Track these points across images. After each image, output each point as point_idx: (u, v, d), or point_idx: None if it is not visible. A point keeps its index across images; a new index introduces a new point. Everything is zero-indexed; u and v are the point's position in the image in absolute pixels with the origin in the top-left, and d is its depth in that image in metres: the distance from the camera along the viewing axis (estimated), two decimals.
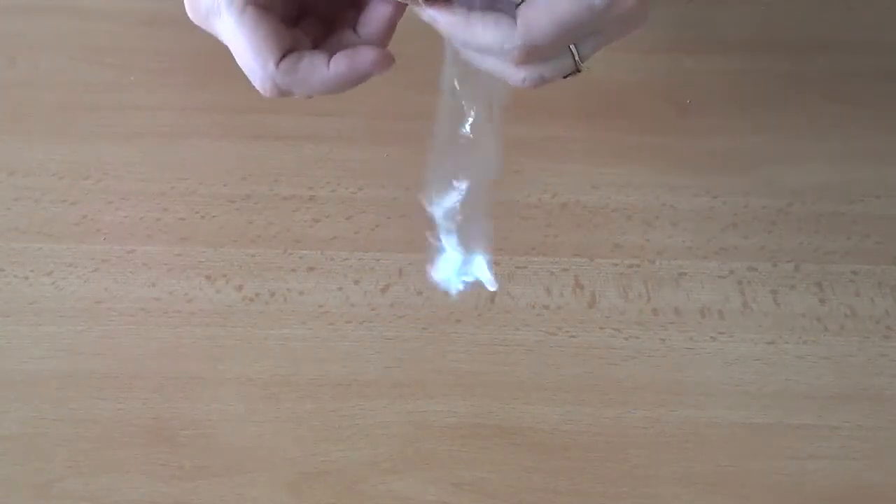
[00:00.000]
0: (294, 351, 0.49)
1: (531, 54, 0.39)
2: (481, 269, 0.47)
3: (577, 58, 0.40)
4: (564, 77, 0.41)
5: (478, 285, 0.49)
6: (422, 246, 0.54)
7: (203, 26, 0.41)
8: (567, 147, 0.58)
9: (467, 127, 0.43)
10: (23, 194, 0.55)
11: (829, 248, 0.54)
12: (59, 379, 0.48)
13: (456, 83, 0.42)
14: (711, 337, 0.51)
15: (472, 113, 0.42)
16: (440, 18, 0.39)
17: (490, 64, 0.41)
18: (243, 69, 0.39)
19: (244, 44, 0.39)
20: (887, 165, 0.58)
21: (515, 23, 0.38)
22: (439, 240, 0.48)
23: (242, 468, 0.46)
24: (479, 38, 0.39)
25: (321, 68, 0.39)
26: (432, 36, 0.39)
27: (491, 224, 0.47)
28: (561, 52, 0.40)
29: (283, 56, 0.39)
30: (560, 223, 0.55)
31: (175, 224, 0.54)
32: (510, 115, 0.58)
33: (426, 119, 0.59)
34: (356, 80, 0.39)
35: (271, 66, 0.38)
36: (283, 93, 0.39)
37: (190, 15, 0.41)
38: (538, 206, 0.55)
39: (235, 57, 0.39)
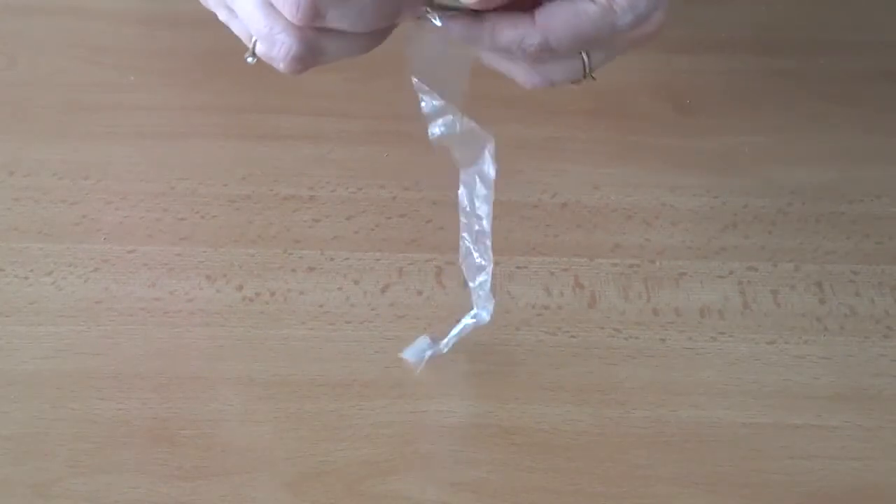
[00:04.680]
0: (294, 351, 0.49)
1: (546, 53, 0.40)
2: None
3: (587, 65, 0.42)
4: (571, 83, 0.43)
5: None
6: (422, 246, 0.54)
7: None
8: (567, 147, 0.58)
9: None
10: (23, 194, 0.55)
11: (829, 248, 0.54)
12: (59, 379, 0.48)
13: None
14: (711, 337, 0.50)
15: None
16: (454, 27, 0.39)
17: (501, 65, 0.41)
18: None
19: None
20: (887, 165, 0.58)
21: (533, 22, 0.39)
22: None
23: (242, 468, 0.46)
24: (497, 38, 0.40)
25: None
26: None
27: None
28: (573, 56, 0.41)
29: None
30: (560, 223, 0.55)
31: (175, 224, 0.54)
32: (510, 116, 0.59)
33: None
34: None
35: None
36: (316, 16, 0.37)
37: None
38: (538, 206, 0.55)
39: None
